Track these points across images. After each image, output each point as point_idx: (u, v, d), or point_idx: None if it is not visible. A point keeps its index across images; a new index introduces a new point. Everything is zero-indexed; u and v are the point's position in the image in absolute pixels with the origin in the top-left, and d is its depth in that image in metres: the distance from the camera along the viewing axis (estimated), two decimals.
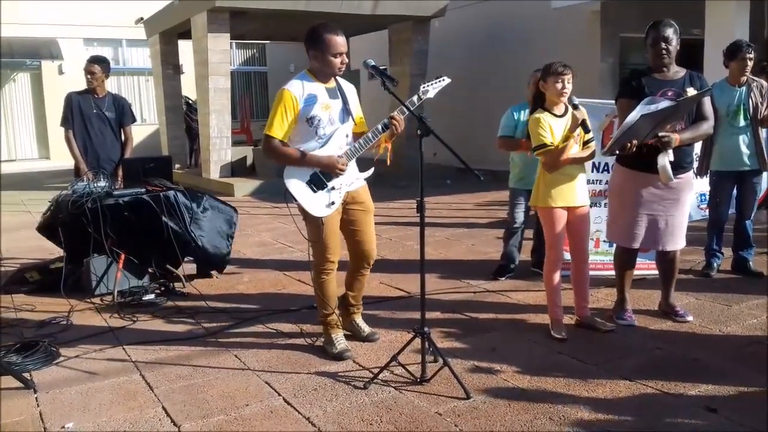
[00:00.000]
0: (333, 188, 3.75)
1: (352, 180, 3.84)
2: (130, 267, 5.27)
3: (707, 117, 4.09)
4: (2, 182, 12.72)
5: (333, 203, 3.75)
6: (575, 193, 4.05)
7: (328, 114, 3.73)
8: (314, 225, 3.76)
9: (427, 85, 3.76)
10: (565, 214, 4.05)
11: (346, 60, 3.73)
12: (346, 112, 3.80)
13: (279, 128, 3.66)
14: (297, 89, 3.68)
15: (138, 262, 5.32)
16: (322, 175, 3.71)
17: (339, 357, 3.80)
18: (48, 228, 5.44)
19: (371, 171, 3.94)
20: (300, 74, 3.79)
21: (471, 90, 13.06)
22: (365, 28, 13.50)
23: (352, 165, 3.83)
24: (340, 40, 3.67)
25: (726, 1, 8.82)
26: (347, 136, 3.82)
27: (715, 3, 8.98)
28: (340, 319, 4.01)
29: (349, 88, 3.90)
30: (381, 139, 3.74)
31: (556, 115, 4.02)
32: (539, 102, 4.10)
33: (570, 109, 3.99)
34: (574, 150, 4.01)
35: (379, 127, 3.72)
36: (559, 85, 3.93)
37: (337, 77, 3.82)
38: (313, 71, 3.76)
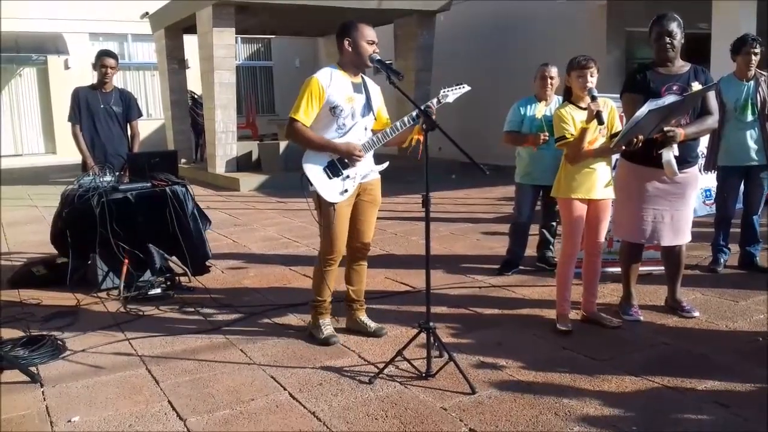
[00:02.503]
0: (348, 177, 3.85)
1: (367, 171, 3.94)
2: (136, 261, 5.27)
3: (712, 111, 4.07)
4: (10, 177, 12.76)
5: (346, 191, 3.85)
6: (596, 185, 4.01)
7: (350, 106, 3.83)
8: (325, 211, 3.85)
9: (447, 90, 3.84)
10: (584, 207, 4.04)
11: (378, 50, 3.82)
12: (368, 107, 3.92)
13: (304, 112, 3.77)
14: (324, 78, 3.80)
15: (144, 257, 5.33)
16: (338, 163, 3.82)
17: (326, 342, 3.88)
18: (57, 236, 5.41)
19: (386, 164, 4.03)
20: (329, 65, 3.91)
21: (476, 84, 12.95)
22: (370, 22, 13.41)
23: (369, 157, 3.93)
24: (372, 30, 3.86)
25: None
26: (366, 129, 3.93)
27: None
28: (331, 306, 4.07)
29: (373, 87, 4.02)
30: (413, 132, 3.80)
31: (580, 108, 4.02)
32: (567, 96, 4.13)
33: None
34: (598, 143, 4.00)
35: (398, 124, 3.82)
36: (582, 79, 3.95)
37: (364, 76, 3.95)
38: (342, 65, 3.88)
